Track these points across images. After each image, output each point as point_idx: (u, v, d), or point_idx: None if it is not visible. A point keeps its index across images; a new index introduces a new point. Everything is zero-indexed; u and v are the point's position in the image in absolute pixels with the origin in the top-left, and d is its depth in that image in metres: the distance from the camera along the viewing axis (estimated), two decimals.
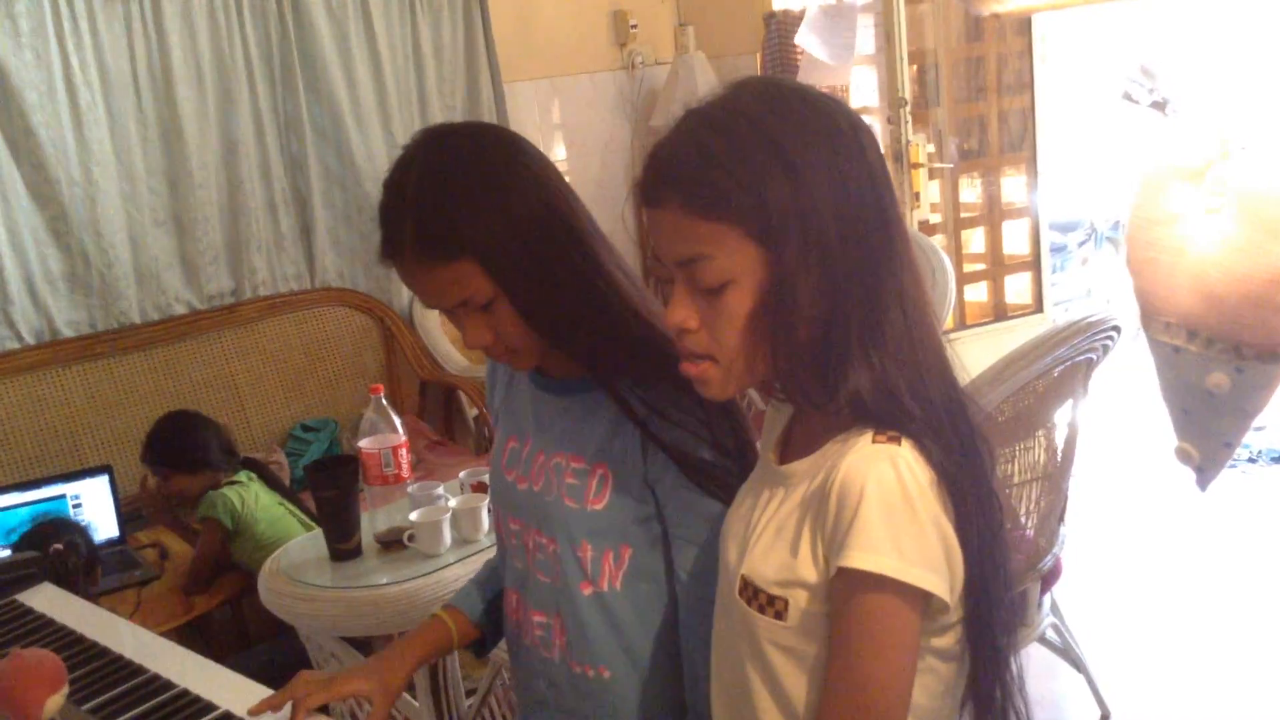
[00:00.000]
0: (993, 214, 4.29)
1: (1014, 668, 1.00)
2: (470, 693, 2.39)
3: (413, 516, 2.12)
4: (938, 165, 3.95)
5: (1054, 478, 2.37)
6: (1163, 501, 3.65)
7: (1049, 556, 2.41)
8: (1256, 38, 1.96)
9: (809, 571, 0.95)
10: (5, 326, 3.28)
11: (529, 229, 1.15)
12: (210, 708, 1.28)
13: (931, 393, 0.95)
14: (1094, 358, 2.27)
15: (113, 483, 3.08)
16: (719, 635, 1.09)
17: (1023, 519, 2.35)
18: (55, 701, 1.21)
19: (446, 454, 3.65)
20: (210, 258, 3.63)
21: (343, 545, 2.13)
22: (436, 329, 3.98)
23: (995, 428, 2.15)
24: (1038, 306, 4.29)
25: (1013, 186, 4.29)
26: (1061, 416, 2.35)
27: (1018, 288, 4.33)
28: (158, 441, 2.94)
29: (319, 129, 3.78)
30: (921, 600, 0.91)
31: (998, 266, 4.31)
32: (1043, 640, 2.58)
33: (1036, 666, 2.75)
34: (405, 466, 2.21)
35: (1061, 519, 2.48)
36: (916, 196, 3.77)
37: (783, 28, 4.01)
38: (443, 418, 4.09)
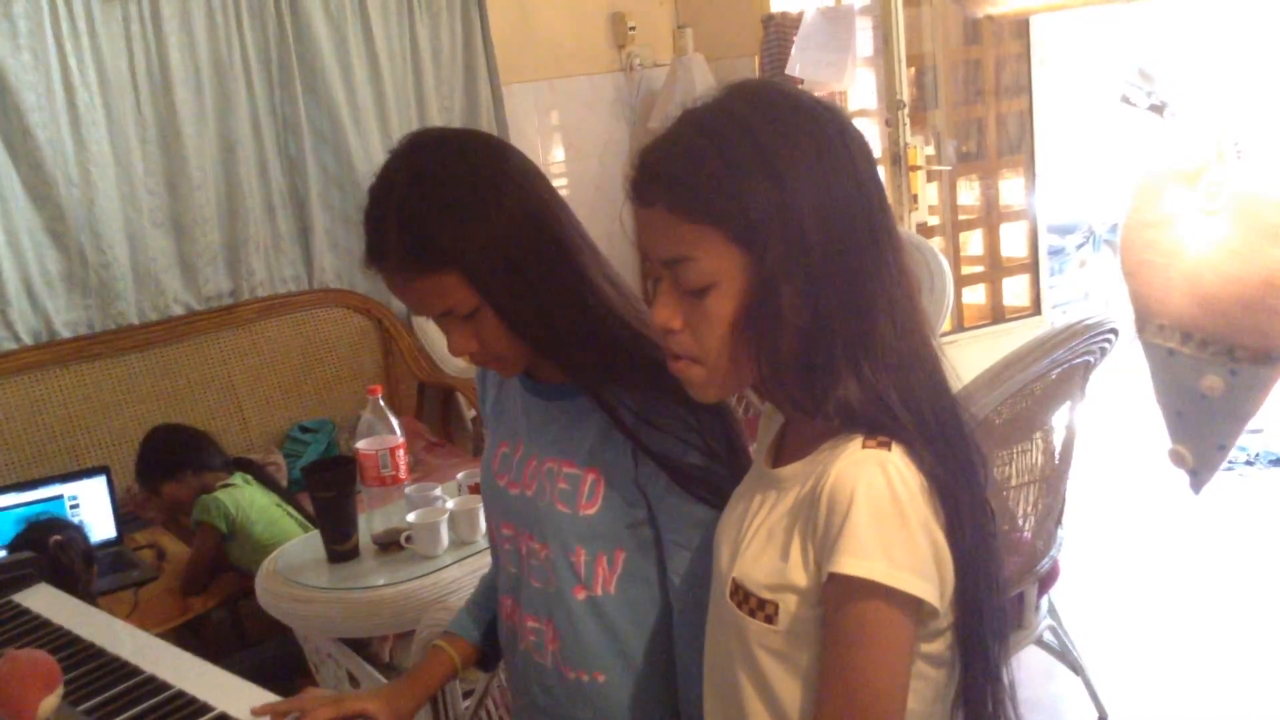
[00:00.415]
0: (991, 216, 4.28)
1: (1005, 674, 1.00)
2: (468, 694, 2.39)
3: (410, 518, 2.12)
4: (936, 167, 3.95)
5: (1051, 480, 2.37)
6: (1161, 504, 3.65)
7: (1046, 559, 2.41)
8: (1254, 41, 1.97)
9: (799, 576, 0.95)
10: (3, 327, 3.28)
11: (513, 242, 1.14)
12: (206, 709, 1.28)
13: (922, 401, 0.95)
14: (1092, 360, 2.27)
15: (110, 483, 3.08)
16: (711, 638, 1.09)
17: (1020, 521, 2.35)
18: (50, 703, 1.21)
19: (444, 455, 3.65)
20: (208, 259, 3.63)
21: (340, 546, 2.13)
22: (434, 331, 3.96)
23: (993, 430, 2.15)
24: (1035, 309, 4.29)
25: (1011, 189, 4.28)
26: (1059, 419, 2.35)
27: (1016, 290, 4.32)
28: (140, 459, 3.01)
29: (317, 130, 3.78)
30: (913, 606, 0.91)
31: (996, 269, 4.31)
32: (1040, 642, 2.58)
33: (1034, 669, 2.75)
34: (403, 468, 2.21)
35: (1059, 521, 2.48)
36: (914, 199, 3.77)
37: (781, 30, 4.01)
38: (440, 419, 4.09)
